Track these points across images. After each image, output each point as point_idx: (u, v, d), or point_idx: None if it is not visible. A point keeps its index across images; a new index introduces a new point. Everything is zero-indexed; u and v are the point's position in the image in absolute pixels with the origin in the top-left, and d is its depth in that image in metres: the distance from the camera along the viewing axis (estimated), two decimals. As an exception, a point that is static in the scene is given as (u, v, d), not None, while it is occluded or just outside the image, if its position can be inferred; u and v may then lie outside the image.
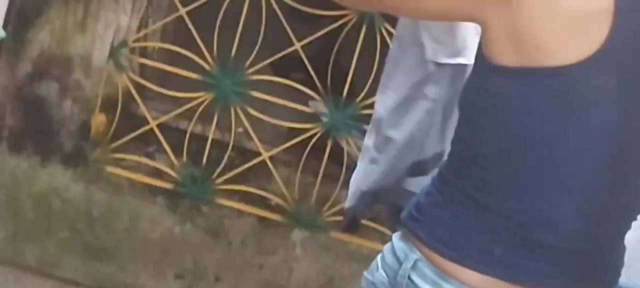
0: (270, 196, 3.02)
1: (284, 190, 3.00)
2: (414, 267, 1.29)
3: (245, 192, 3.01)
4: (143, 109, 2.94)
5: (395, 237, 1.36)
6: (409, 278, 1.29)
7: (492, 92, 1.23)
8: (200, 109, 2.92)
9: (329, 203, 3.00)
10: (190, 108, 2.93)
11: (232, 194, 3.01)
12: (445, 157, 1.37)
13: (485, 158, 1.26)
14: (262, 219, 3.01)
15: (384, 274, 1.34)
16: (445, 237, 1.27)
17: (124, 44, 2.88)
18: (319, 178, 2.99)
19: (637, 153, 1.26)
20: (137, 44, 2.94)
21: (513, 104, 1.22)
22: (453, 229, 1.27)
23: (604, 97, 1.21)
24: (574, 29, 1.17)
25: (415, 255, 1.29)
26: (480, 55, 1.26)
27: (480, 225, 1.26)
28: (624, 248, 1.33)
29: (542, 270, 1.25)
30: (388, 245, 1.38)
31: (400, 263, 1.31)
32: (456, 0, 1.26)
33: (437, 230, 1.29)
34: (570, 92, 1.19)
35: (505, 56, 1.21)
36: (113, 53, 2.87)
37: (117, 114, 2.94)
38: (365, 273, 1.40)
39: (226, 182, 2.99)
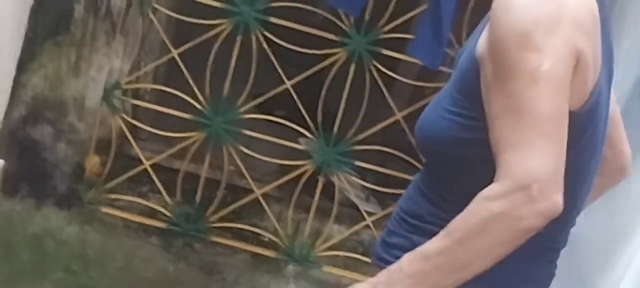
0: (263, 232, 3.06)
1: (276, 226, 3.04)
2: None
3: (238, 229, 3.05)
4: (136, 150, 2.98)
5: None
6: None
7: None
8: (193, 148, 2.96)
9: (321, 239, 3.04)
10: (183, 148, 2.96)
11: (225, 231, 3.05)
12: None
13: None
14: (255, 255, 3.05)
15: None
16: None
17: (117, 85, 2.92)
18: (311, 214, 3.03)
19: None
20: (129, 86, 2.97)
21: None
22: None
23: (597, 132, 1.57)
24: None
25: None
26: None
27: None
28: None
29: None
30: None
31: None
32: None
33: None
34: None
35: None
36: (106, 95, 2.91)
37: (111, 155, 2.97)
38: None
39: (219, 219, 3.03)
